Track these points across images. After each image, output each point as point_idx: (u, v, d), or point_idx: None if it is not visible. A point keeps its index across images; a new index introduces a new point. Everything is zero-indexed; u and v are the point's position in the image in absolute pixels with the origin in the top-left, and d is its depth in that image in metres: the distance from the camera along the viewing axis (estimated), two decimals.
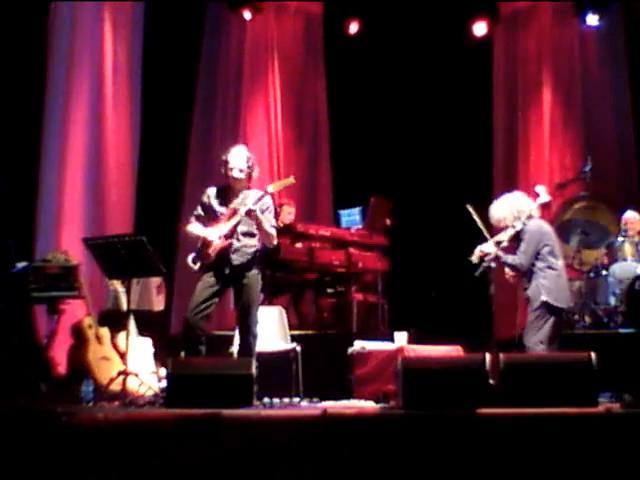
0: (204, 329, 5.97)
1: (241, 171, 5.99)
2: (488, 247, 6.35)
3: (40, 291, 6.93)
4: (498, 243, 6.36)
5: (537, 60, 9.92)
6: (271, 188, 6.10)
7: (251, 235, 6.01)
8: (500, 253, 6.31)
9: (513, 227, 6.28)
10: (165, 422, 4.47)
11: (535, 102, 9.91)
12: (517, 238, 6.27)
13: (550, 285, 6.12)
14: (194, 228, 6.10)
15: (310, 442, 4.17)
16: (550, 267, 6.15)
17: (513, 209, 6.32)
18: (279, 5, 10.13)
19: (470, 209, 6.54)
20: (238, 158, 6.02)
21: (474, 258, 6.39)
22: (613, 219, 8.78)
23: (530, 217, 6.28)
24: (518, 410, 4.77)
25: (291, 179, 6.22)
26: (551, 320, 6.08)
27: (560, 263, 6.23)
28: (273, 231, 6.04)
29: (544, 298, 6.10)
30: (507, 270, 6.38)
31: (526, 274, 6.23)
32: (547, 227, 6.34)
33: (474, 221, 6.50)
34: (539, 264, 6.16)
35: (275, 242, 6.12)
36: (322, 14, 10.23)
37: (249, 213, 5.84)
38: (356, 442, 4.20)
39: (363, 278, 8.73)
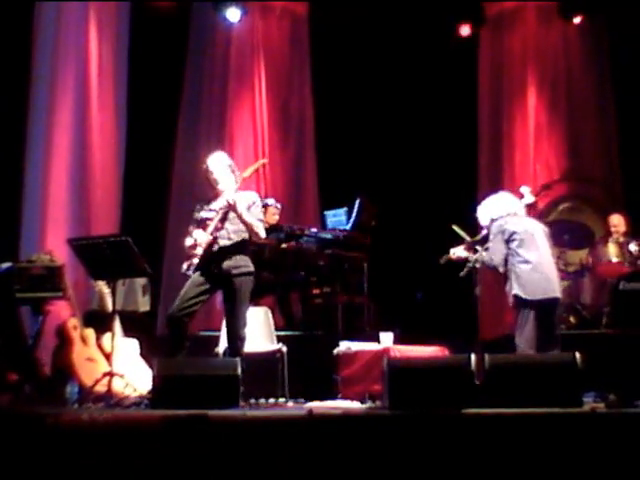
0: (188, 325, 5.95)
1: (219, 176, 6.03)
2: (459, 251, 6.42)
3: (24, 292, 6.89)
4: (474, 245, 6.41)
5: (522, 61, 9.97)
6: (245, 174, 6.11)
7: (240, 232, 6.02)
8: (470, 257, 6.35)
9: (485, 228, 6.35)
10: (151, 423, 4.46)
11: (520, 103, 9.94)
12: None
13: (521, 280, 6.07)
14: (187, 240, 6.09)
15: (296, 443, 4.17)
16: (524, 261, 6.08)
17: (487, 211, 6.36)
18: (265, 5, 10.12)
19: (456, 229, 6.66)
20: (216, 164, 6.06)
21: (442, 260, 6.50)
22: (597, 220, 8.84)
23: (509, 216, 6.24)
24: (503, 410, 4.79)
25: (263, 160, 6.26)
26: (530, 316, 6.00)
27: (535, 256, 6.09)
28: (259, 224, 6.01)
29: (514, 292, 6.07)
30: None
31: (506, 273, 6.20)
32: (513, 224, 6.18)
33: (461, 237, 6.60)
34: (512, 260, 6.12)
35: (263, 235, 6.05)
36: (307, 15, 10.24)
37: (229, 205, 5.87)
38: (342, 442, 4.20)
39: (349, 279, 8.72)
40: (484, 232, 6.39)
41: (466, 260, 6.39)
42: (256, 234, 6.01)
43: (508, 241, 6.12)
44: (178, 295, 5.98)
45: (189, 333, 6.04)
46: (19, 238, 7.93)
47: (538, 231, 6.27)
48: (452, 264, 6.53)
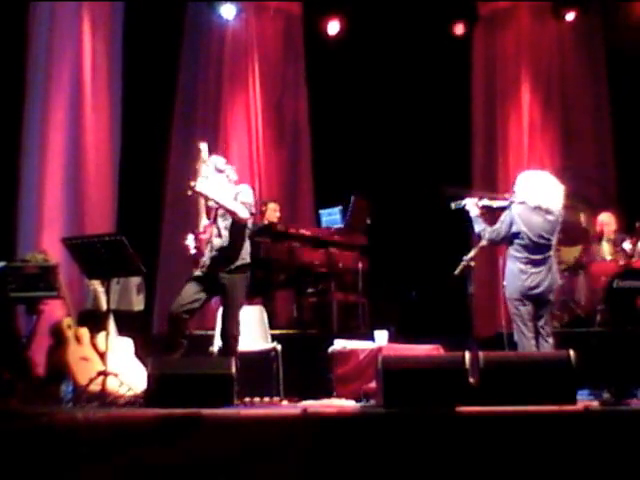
0: (187, 322, 5.99)
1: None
2: (471, 205, 6.39)
3: (19, 291, 6.87)
4: (486, 208, 6.41)
5: (516, 60, 9.99)
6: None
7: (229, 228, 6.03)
8: (475, 218, 6.35)
9: (507, 201, 6.32)
10: (145, 422, 4.46)
11: (514, 101, 9.96)
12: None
13: (507, 272, 6.21)
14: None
15: (290, 441, 4.17)
16: (515, 258, 6.15)
17: (520, 185, 6.30)
18: (259, 5, 10.12)
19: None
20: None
21: (453, 205, 6.46)
22: (591, 218, 8.84)
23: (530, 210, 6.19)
24: (498, 408, 4.80)
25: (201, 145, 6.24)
26: (511, 307, 6.15)
27: (526, 261, 6.12)
28: (235, 204, 5.96)
29: (504, 282, 6.23)
30: None
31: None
32: (525, 220, 6.15)
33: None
34: (510, 249, 6.21)
35: (243, 216, 5.97)
36: (301, 14, 10.24)
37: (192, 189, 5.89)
38: (336, 441, 4.20)
39: (343, 277, 8.72)
40: (503, 202, 6.37)
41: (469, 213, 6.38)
42: (234, 214, 5.96)
43: (513, 235, 6.15)
44: (178, 294, 6.00)
45: (188, 330, 6.07)
46: (14, 238, 7.91)
47: (546, 234, 6.20)
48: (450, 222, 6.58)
